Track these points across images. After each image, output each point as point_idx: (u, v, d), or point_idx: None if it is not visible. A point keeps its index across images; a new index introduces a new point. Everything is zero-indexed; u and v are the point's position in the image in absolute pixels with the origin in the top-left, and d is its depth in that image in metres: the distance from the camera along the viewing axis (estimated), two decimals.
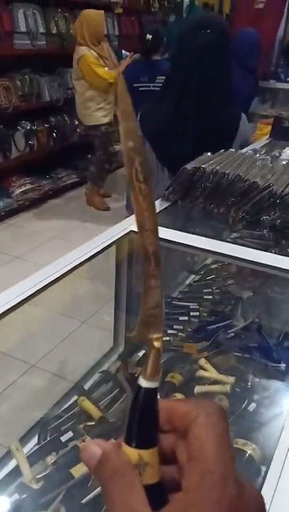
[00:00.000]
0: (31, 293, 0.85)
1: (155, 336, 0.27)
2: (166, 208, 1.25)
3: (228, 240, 1.19)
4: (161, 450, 0.26)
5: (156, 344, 0.27)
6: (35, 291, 0.86)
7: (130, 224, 1.12)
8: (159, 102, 1.51)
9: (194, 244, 1.08)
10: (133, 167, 0.26)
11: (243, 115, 1.57)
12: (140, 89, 2.81)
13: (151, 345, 0.27)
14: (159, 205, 1.25)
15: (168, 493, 0.25)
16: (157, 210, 1.24)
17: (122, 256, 1.14)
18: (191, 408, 0.26)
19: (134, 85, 2.79)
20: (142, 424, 0.26)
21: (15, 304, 0.82)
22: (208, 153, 1.30)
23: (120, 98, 0.26)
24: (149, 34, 2.74)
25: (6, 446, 0.92)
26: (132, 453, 0.25)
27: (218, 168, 1.16)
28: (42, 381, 1.97)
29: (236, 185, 1.13)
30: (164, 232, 1.10)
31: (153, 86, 2.80)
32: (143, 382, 0.26)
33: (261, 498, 0.25)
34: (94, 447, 0.26)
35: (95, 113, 3.34)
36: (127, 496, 0.24)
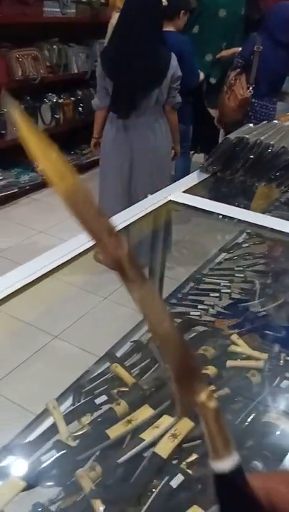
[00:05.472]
0: (56, 266, 0.83)
1: (203, 394, 0.19)
2: (204, 179, 1.22)
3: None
4: None
5: (211, 403, 0.19)
6: (61, 264, 0.83)
7: (169, 194, 1.09)
8: (111, 43, 2.28)
9: (231, 215, 1.06)
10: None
11: (173, 54, 2.14)
12: None
13: (203, 408, 0.19)
14: (197, 176, 1.22)
15: None
16: (195, 182, 1.22)
17: (159, 225, 1.12)
18: None
19: None
20: None
21: (38, 276, 0.80)
22: (250, 125, 1.25)
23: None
24: None
25: (31, 411, 0.92)
26: None
27: (262, 138, 1.12)
28: (64, 353, 2.00)
29: (281, 157, 1.09)
30: (200, 202, 1.08)
31: None
32: (216, 465, 0.20)
33: None
34: None
35: None
36: None
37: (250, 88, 3.01)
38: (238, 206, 1.13)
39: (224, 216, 1.07)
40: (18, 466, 0.81)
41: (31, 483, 0.76)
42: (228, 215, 1.06)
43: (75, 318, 2.23)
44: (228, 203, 1.12)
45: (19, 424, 0.95)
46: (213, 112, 3.36)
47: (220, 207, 1.06)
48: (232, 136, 1.16)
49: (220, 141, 3.37)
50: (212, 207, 1.06)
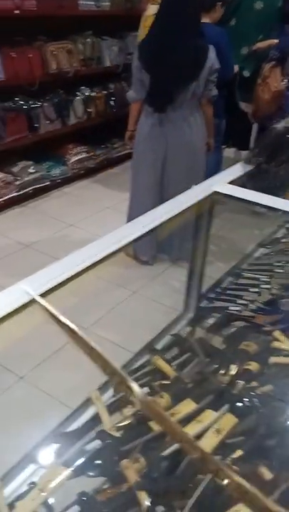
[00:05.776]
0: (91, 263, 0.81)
1: None
2: (248, 171, 1.18)
3: None
4: None
5: None
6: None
7: (213, 184, 1.07)
8: (149, 35, 2.19)
9: (277, 206, 1.02)
10: None
11: (211, 46, 2.13)
12: None
13: None
14: (241, 167, 1.19)
15: None
16: (239, 174, 1.19)
17: (203, 218, 1.09)
18: None
19: None
20: None
21: (72, 274, 0.79)
22: None
23: None
24: None
25: (61, 401, 0.91)
26: None
27: None
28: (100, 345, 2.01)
29: None
30: (245, 193, 1.04)
31: None
32: None
33: None
34: None
35: None
36: None
37: (285, 81, 2.92)
38: (284, 198, 1.09)
39: (269, 208, 1.03)
40: (63, 455, 0.81)
41: (76, 471, 0.76)
42: (274, 206, 1.02)
43: (104, 312, 2.24)
44: (274, 195, 1.08)
45: (55, 414, 0.96)
46: (245, 106, 3.28)
47: (266, 198, 1.03)
48: (278, 126, 1.12)
49: (252, 135, 3.31)
50: (258, 198, 1.02)
